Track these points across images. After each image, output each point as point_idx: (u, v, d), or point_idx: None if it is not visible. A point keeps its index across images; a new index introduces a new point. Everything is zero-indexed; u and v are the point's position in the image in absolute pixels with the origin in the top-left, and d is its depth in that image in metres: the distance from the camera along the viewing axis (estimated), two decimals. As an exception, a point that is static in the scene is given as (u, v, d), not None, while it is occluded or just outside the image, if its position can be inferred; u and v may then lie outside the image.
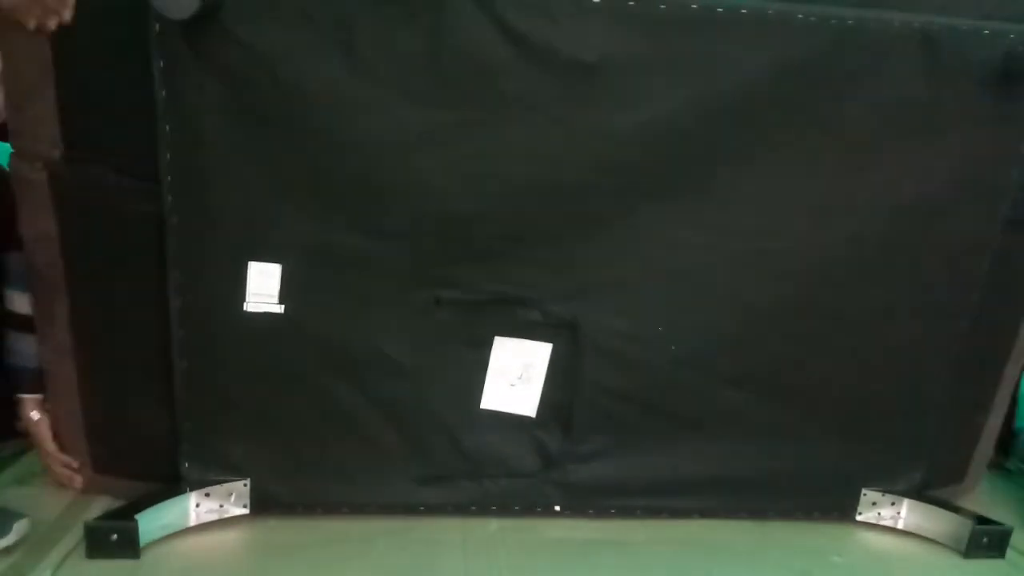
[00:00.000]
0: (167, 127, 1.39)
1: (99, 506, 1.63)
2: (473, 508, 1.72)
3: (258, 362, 1.57)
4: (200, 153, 1.42)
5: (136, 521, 1.49)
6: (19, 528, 1.46)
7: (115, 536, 1.48)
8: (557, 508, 1.74)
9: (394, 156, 1.45)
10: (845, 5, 1.44)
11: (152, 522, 1.54)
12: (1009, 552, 1.73)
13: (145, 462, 1.65)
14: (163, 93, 1.36)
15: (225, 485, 1.63)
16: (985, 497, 1.97)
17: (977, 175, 1.58)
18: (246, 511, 1.65)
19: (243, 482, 1.64)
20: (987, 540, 1.72)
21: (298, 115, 1.40)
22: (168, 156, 1.40)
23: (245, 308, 1.51)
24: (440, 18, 1.35)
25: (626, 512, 1.77)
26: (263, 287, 1.50)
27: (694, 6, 1.40)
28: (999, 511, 1.88)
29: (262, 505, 1.65)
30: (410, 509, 1.70)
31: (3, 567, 1.42)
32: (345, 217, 1.49)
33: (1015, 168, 1.59)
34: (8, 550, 1.45)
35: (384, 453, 1.66)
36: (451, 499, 1.71)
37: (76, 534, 1.52)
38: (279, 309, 1.52)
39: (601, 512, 1.76)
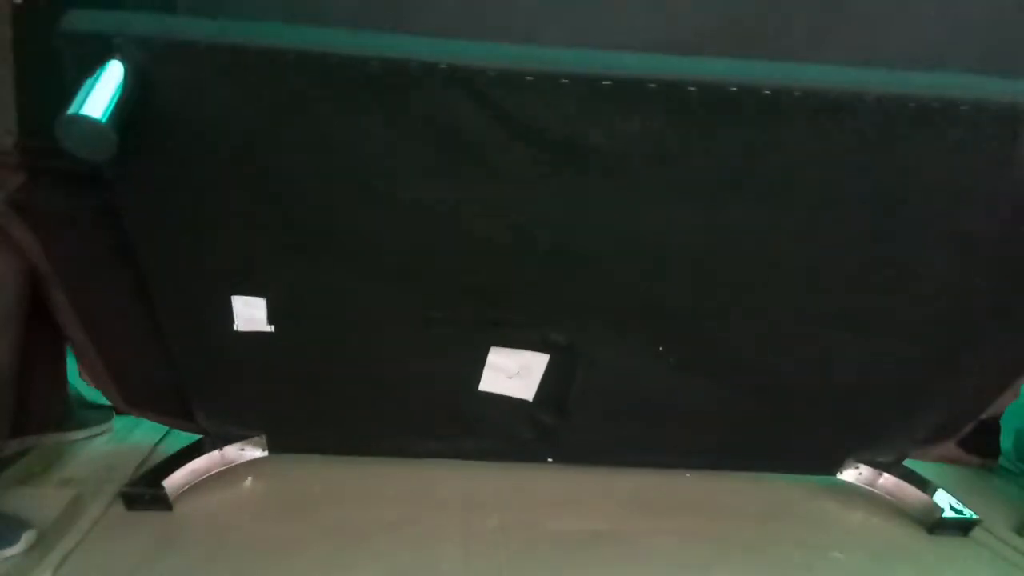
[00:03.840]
0: (120, 200, 1.29)
1: (99, 505, 1.68)
2: (472, 456, 1.86)
3: (257, 358, 1.59)
4: (158, 220, 1.33)
5: (163, 488, 1.67)
6: (27, 538, 1.50)
7: (147, 496, 1.68)
8: (550, 460, 1.88)
9: (381, 220, 1.33)
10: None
11: (178, 478, 1.72)
12: (1009, 552, 1.81)
13: (170, 407, 1.80)
14: (108, 174, 1.24)
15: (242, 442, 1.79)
16: (985, 497, 2.00)
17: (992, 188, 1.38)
18: (265, 454, 1.82)
19: (259, 435, 1.79)
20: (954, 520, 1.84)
21: (261, 186, 1.28)
22: (127, 223, 1.33)
23: (236, 328, 1.51)
24: (418, 103, 1.15)
25: (615, 463, 1.89)
26: (250, 314, 1.48)
27: (732, 88, 1.14)
28: (997, 511, 1.94)
29: (278, 450, 1.81)
30: (413, 455, 1.85)
31: (5, 567, 1.46)
32: (331, 262, 1.41)
33: None
34: (9, 551, 1.52)
35: (387, 422, 1.77)
36: (451, 449, 1.84)
37: (76, 534, 1.57)
38: (270, 329, 1.51)
39: (592, 465, 1.89)
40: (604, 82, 1.11)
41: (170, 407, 1.80)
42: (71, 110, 0.99)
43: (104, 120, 0.99)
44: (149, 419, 1.88)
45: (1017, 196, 1.28)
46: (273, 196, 1.29)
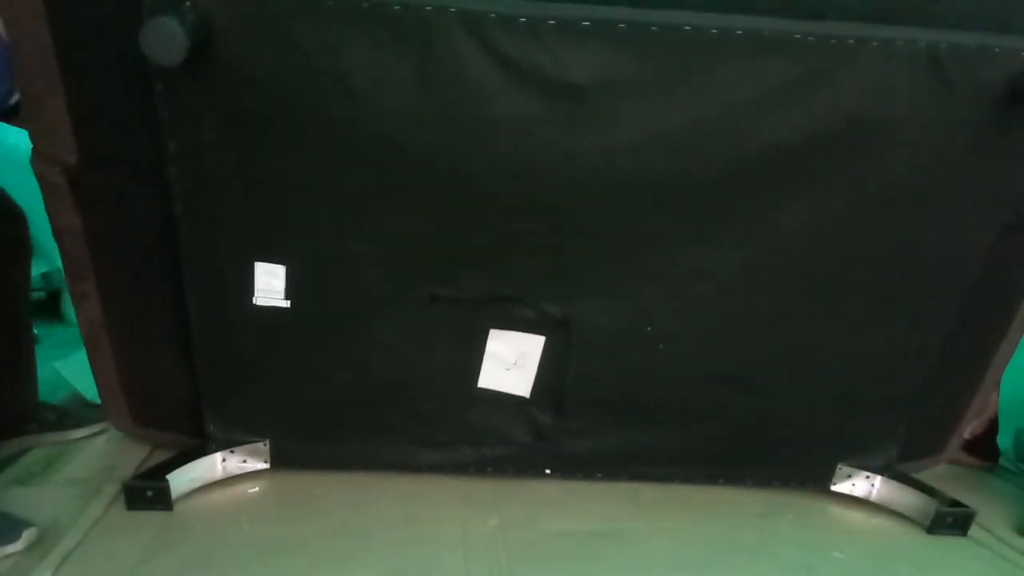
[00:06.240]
0: (172, 145, 1.44)
1: (99, 505, 1.69)
2: (471, 469, 1.89)
3: (269, 344, 1.70)
4: (205, 167, 1.47)
5: (167, 481, 1.70)
6: (28, 535, 1.51)
7: (150, 493, 1.69)
8: (548, 471, 1.90)
9: (388, 174, 1.48)
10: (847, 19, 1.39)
11: (182, 476, 1.74)
12: (1008, 552, 1.81)
13: (178, 420, 1.85)
14: (165, 114, 1.41)
15: (247, 445, 1.82)
16: (985, 497, 2.01)
17: (980, 188, 1.55)
18: (267, 466, 1.85)
19: (263, 442, 1.83)
20: (951, 519, 1.85)
21: (295, 135, 1.44)
22: (175, 170, 1.47)
23: (254, 302, 1.62)
24: (430, 42, 1.35)
25: (612, 476, 1.92)
26: (269, 285, 1.60)
27: (687, 28, 1.36)
28: (997, 511, 1.96)
29: (281, 461, 1.85)
30: (413, 468, 1.88)
31: (4, 567, 1.45)
32: (343, 226, 1.55)
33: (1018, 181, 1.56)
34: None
35: (388, 423, 1.82)
36: (450, 460, 1.88)
37: (76, 534, 1.58)
38: (285, 304, 1.62)
39: (588, 476, 1.92)
40: (583, 23, 1.31)
41: (176, 420, 1.85)
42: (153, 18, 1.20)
43: (180, 26, 1.21)
44: (150, 438, 1.92)
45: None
46: (300, 148, 1.45)
